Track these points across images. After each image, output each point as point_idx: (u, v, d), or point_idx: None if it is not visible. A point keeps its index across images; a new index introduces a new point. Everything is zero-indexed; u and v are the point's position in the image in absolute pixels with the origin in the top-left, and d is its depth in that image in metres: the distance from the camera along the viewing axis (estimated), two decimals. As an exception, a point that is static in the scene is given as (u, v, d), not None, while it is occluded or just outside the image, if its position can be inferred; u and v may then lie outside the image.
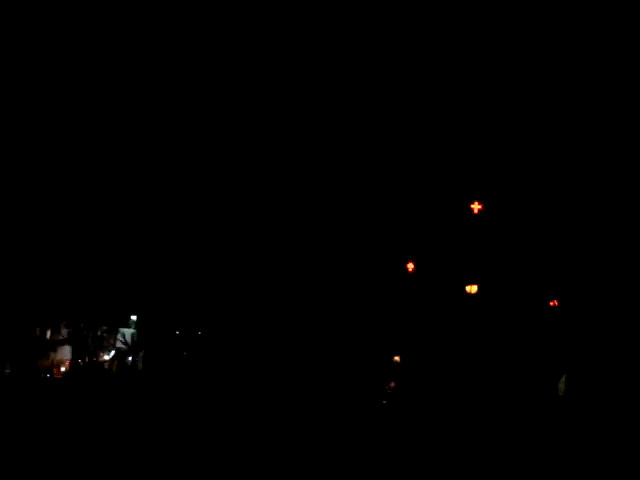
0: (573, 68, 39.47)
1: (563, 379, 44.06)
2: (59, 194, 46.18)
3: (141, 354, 52.46)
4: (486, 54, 41.69)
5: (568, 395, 42.34)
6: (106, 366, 54.29)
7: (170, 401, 34.57)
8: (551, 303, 44.57)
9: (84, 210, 46.95)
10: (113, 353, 55.48)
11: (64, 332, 54.05)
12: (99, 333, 53.90)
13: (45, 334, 53.12)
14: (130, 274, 48.53)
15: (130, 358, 53.78)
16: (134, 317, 53.90)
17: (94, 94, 45.10)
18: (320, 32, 43.04)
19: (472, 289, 44.01)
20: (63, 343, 54.41)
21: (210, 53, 45.06)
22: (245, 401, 36.30)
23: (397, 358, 48.57)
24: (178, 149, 46.75)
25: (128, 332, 54.59)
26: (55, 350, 54.15)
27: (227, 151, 46.93)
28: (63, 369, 55.15)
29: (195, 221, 48.24)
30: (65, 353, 55.66)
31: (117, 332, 54.84)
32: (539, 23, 40.94)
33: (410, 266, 46.23)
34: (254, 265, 47.90)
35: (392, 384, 47.15)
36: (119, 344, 54.61)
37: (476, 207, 42.21)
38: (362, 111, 45.08)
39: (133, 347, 53.01)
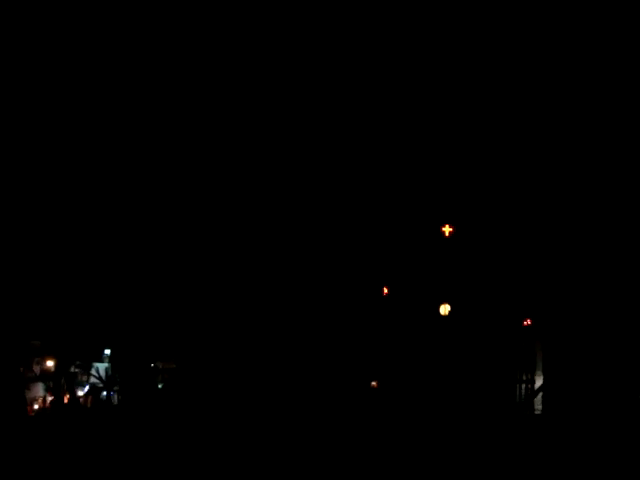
0: (546, 91, 39.98)
1: (539, 397, 44.45)
2: (24, 227, 45.61)
3: (116, 388, 52.00)
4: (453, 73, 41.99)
5: (545, 413, 42.66)
6: (80, 402, 53.74)
7: (148, 435, 34.38)
8: (524, 322, 45.01)
9: (53, 243, 46.38)
10: (87, 389, 54.98)
11: (36, 369, 53.55)
12: (72, 369, 53.37)
13: (17, 371, 52.48)
14: (102, 307, 48.07)
15: (105, 393, 53.30)
16: (108, 351, 53.45)
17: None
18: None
19: (446, 311, 44.36)
20: (36, 380, 53.84)
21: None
22: (222, 432, 36.19)
23: (374, 383, 48.63)
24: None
25: (102, 367, 54.11)
26: (28, 387, 53.50)
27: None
28: (36, 406, 54.53)
29: (166, 252, 47.95)
30: (37, 390, 55.07)
31: (91, 367, 54.36)
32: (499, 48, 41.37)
33: (384, 291, 46.41)
34: (227, 294, 47.75)
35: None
36: (93, 379, 54.10)
37: (447, 230, 42.66)
38: (332, 133, 45.10)
39: (107, 382, 52.54)
